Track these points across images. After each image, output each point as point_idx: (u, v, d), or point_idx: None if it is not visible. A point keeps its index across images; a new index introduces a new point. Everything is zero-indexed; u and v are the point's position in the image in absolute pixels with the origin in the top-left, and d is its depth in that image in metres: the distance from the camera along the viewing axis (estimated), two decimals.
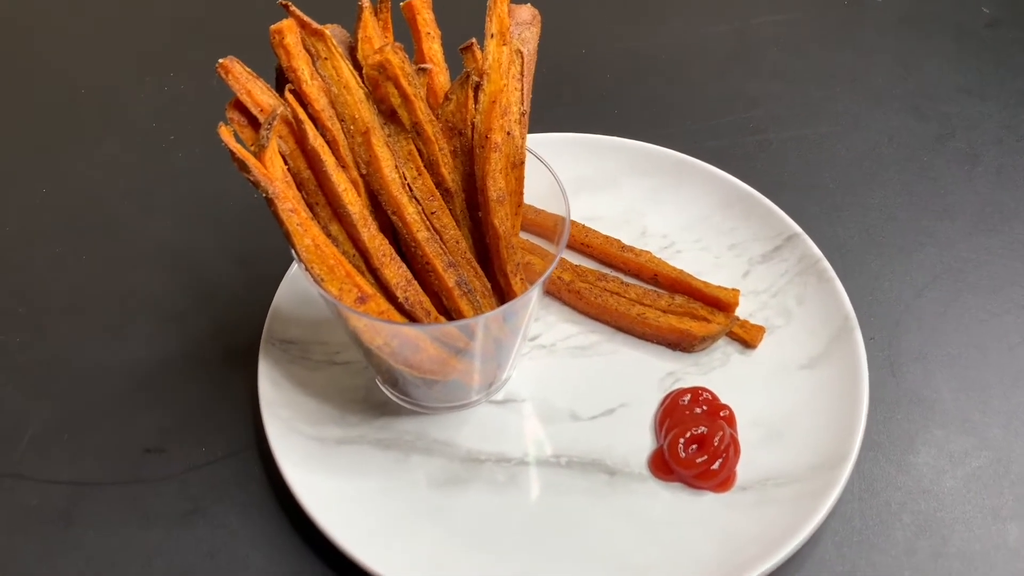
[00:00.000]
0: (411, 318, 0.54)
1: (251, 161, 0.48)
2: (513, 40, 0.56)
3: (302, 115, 0.51)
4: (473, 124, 0.55)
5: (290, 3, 0.52)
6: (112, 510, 0.57)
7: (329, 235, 0.53)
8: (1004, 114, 0.84)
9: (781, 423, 0.60)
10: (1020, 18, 0.94)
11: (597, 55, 0.91)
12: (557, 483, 0.57)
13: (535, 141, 0.74)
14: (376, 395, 0.62)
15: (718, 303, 0.65)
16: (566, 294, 0.66)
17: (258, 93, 0.51)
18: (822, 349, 0.62)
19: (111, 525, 0.57)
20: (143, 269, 0.72)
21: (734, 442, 0.58)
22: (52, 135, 0.84)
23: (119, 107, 0.86)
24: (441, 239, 0.56)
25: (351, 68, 0.53)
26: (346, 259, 0.52)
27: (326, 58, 0.53)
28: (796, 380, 0.62)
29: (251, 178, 0.48)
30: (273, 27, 0.51)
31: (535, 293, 0.54)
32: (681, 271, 0.67)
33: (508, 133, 0.55)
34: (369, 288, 0.52)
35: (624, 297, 0.66)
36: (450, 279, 0.55)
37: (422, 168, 0.55)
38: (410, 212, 0.54)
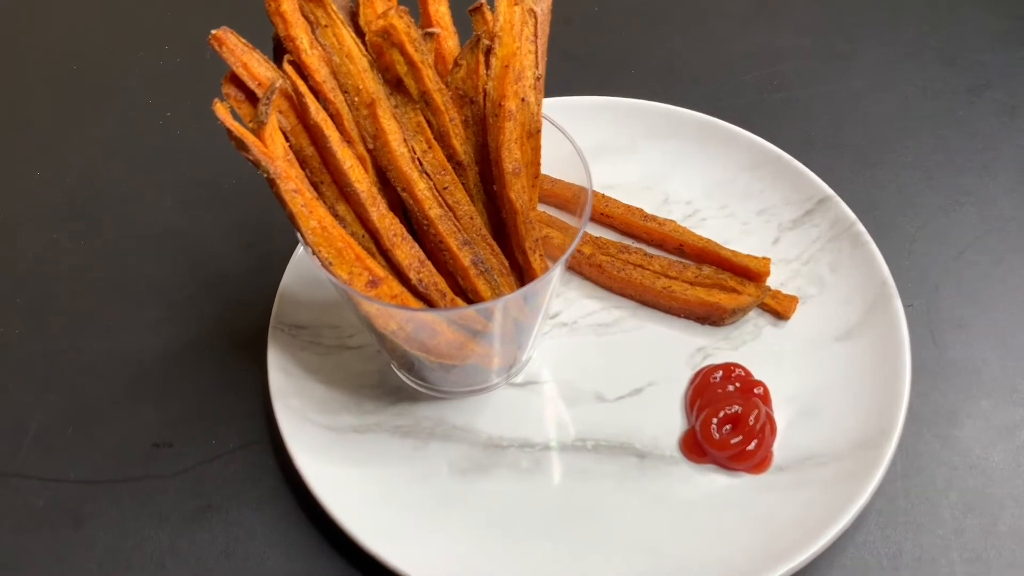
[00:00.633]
0: (426, 300, 0.51)
1: (250, 139, 0.45)
2: None
3: (303, 87, 0.47)
4: (485, 91, 0.51)
5: None
6: (122, 509, 0.55)
7: (336, 215, 0.50)
8: None
9: (818, 399, 0.56)
10: None
11: (611, 10, 0.87)
12: (584, 468, 0.55)
13: (550, 106, 0.71)
14: (391, 380, 0.59)
15: (748, 273, 0.62)
16: (587, 268, 0.63)
17: (255, 66, 0.48)
18: (859, 318, 0.59)
19: (122, 524, 0.55)
20: (145, 253, 0.69)
21: (770, 421, 0.55)
22: (44, 115, 0.80)
23: (113, 83, 0.83)
24: (455, 216, 0.52)
25: (353, 35, 0.49)
26: (355, 241, 0.49)
27: (326, 25, 0.49)
28: (832, 352, 0.58)
29: (250, 157, 0.45)
30: None
31: (556, 272, 0.50)
32: (708, 240, 0.63)
33: (523, 100, 0.51)
34: (380, 271, 0.49)
35: (648, 270, 0.62)
36: (465, 258, 0.52)
37: (432, 140, 0.52)
38: (421, 188, 0.51)
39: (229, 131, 0.44)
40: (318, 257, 0.48)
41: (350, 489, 0.53)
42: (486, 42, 0.51)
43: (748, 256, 0.62)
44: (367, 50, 0.50)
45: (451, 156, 0.53)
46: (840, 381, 0.57)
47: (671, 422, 0.56)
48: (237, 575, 0.52)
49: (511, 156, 0.51)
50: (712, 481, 0.54)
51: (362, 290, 0.48)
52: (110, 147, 0.77)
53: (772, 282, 0.62)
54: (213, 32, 0.47)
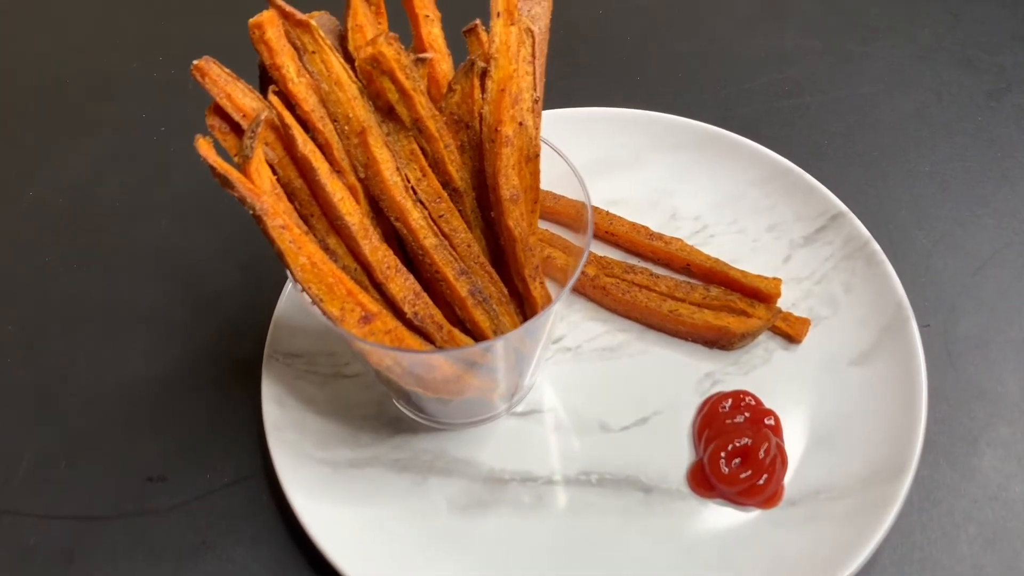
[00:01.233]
0: (422, 334, 0.50)
1: (234, 176, 0.43)
2: (522, 18, 0.50)
3: (289, 119, 0.45)
4: (481, 115, 0.49)
5: None
6: (116, 546, 0.54)
7: (327, 249, 0.48)
8: None
9: (831, 428, 0.54)
10: None
11: (616, 15, 0.84)
12: (588, 503, 0.53)
13: (549, 118, 0.69)
14: (389, 410, 0.57)
15: (758, 294, 0.59)
16: (591, 290, 0.61)
17: (239, 96, 0.46)
18: (873, 342, 0.57)
19: (116, 562, 0.53)
20: (138, 276, 0.67)
21: (781, 453, 0.53)
22: (35, 131, 0.79)
23: (106, 97, 0.81)
24: (451, 244, 0.51)
25: (342, 61, 0.47)
26: (347, 275, 0.47)
27: (314, 52, 0.47)
28: (846, 378, 0.56)
29: (235, 194, 0.43)
30: (252, 21, 0.45)
31: (557, 306, 0.48)
32: (716, 260, 0.61)
33: (520, 123, 0.49)
34: (373, 306, 0.47)
35: (654, 291, 0.60)
36: (463, 288, 0.50)
37: (426, 168, 0.50)
38: (415, 218, 0.49)
39: (212, 168, 0.43)
40: (308, 294, 0.46)
41: (346, 528, 0.51)
42: (481, 65, 0.49)
43: (758, 277, 0.60)
44: (357, 76, 0.47)
45: (447, 183, 0.51)
46: (855, 408, 0.55)
47: (678, 454, 0.54)
48: None
49: (508, 183, 0.49)
50: (721, 516, 0.52)
51: (355, 325, 0.47)
52: (103, 165, 0.75)
53: (783, 303, 0.60)
54: (195, 63, 0.45)
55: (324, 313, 0.46)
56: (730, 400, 0.55)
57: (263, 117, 0.44)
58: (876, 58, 0.78)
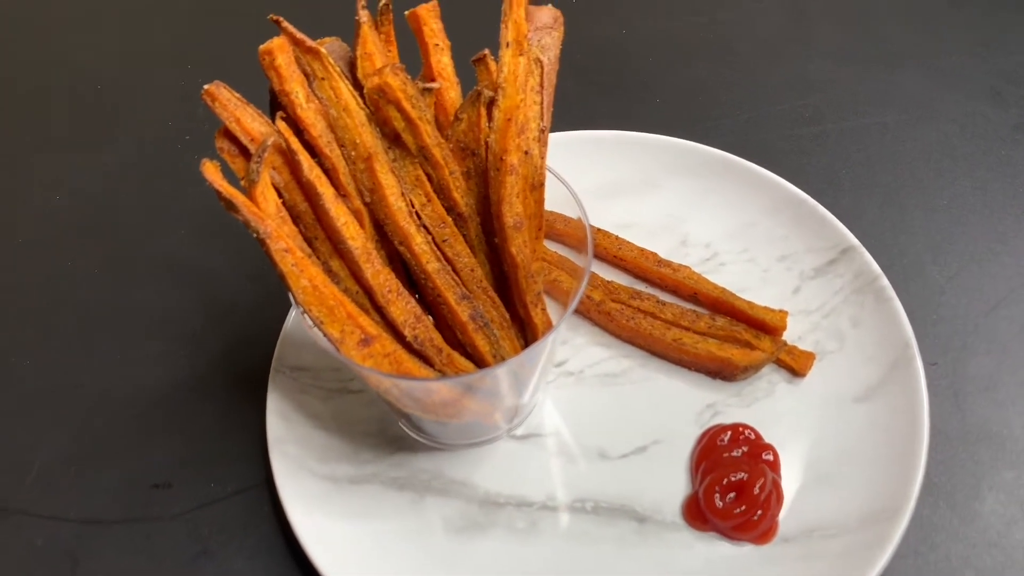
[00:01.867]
0: (421, 357, 0.50)
1: (239, 200, 0.44)
2: (532, 48, 0.50)
3: (295, 145, 0.46)
4: (487, 144, 0.50)
5: (282, 19, 0.47)
6: (119, 551, 0.55)
7: (330, 271, 0.49)
8: None
9: (831, 465, 0.54)
10: None
11: (639, 35, 0.84)
12: (582, 531, 0.53)
13: (564, 139, 0.69)
14: (391, 428, 0.58)
15: (764, 326, 0.59)
16: (596, 315, 0.61)
17: (248, 121, 0.47)
18: (879, 379, 0.56)
19: (118, 568, 0.55)
20: (155, 283, 0.69)
21: (776, 489, 0.53)
22: (65, 136, 0.81)
23: (135, 103, 0.83)
24: (454, 268, 0.51)
25: (351, 88, 0.48)
26: (349, 297, 0.48)
27: (323, 78, 0.48)
28: (849, 415, 0.56)
29: (240, 218, 0.44)
30: (262, 48, 0.46)
31: (551, 338, 0.49)
32: (723, 290, 0.61)
33: (526, 152, 0.50)
34: (373, 328, 0.48)
35: (659, 319, 0.60)
36: (464, 312, 0.51)
37: (431, 194, 0.50)
38: (418, 242, 0.50)
39: (218, 192, 0.44)
40: (309, 316, 0.47)
41: (343, 544, 0.52)
42: (489, 94, 0.49)
43: (764, 308, 0.60)
44: (365, 103, 0.48)
45: (452, 208, 0.51)
46: (855, 446, 0.54)
47: (674, 485, 0.54)
48: None
49: (512, 210, 0.50)
50: (714, 550, 0.52)
51: (354, 348, 0.47)
52: (127, 172, 0.77)
53: (790, 334, 0.60)
54: (205, 87, 0.46)
55: (324, 335, 0.47)
56: (729, 433, 0.55)
57: (270, 142, 0.45)
58: (901, 86, 0.77)
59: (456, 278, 0.51)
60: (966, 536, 0.53)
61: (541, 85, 0.51)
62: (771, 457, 0.54)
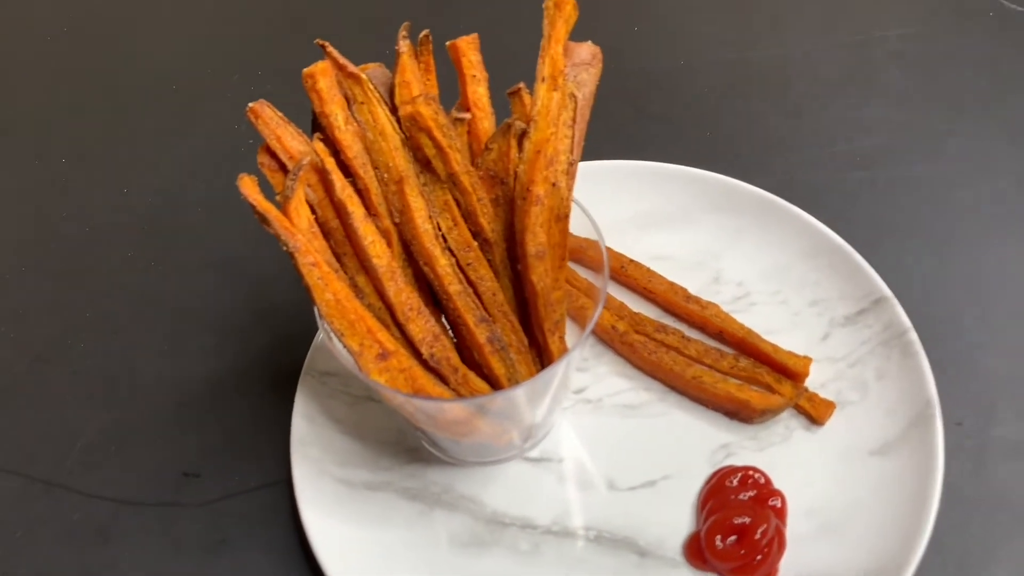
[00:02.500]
0: (438, 375, 0.52)
1: (272, 214, 0.47)
2: (568, 83, 0.52)
3: (330, 165, 0.49)
4: (516, 173, 0.51)
5: (327, 44, 0.49)
6: (147, 532, 0.59)
7: (355, 286, 0.51)
8: None
9: (840, 516, 0.54)
10: None
11: (697, 66, 0.85)
12: (583, 559, 0.54)
13: (610, 167, 0.70)
14: (409, 439, 0.60)
15: (786, 371, 0.59)
16: (619, 346, 0.62)
17: (288, 139, 0.49)
18: (898, 434, 0.56)
19: (144, 548, 0.58)
20: (208, 279, 0.72)
21: (779, 536, 0.53)
22: (140, 131, 0.86)
23: (207, 106, 0.87)
24: (477, 291, 0.53)
25: (388, 113, 0.50)
26: (371, 312, 0.50)
27: (362, 103, 0.50)
28: (864, 467, 0.55)
29: (272, 231, 0.47)
30: (305, 71, 0.49)
31: (565, 362, 0.50)
32: (749, 331, 0.61)
33: (553, 184, 0.51)
34: (391, 344, 0.50)
35: (682, 354, 0.61)
36: (482, 335, 0.52)
37: (458, 218, 0.52)
38: (442, 264, 0.51)
39: (253, 206, 0.46)
40: (331, 328, 0.49)
41: (350, 547, 0.54)
42: (521, 125, 0.51)
43: (788, 353, 0.60)
44: (401, 128, 0.50)
45: (477, 233, 0.53)
46: (866, 500, 0.54)
47: (679, 521, 0.55)
48: None
49: (535, 240, 0.51)
50: None
51: (372, 361, 0.49)
52: (194, 169, 0.81)
53: (813, 381, 0.60)
54: (250, 105, 0.49)
55: (344, 347, 0.49)
56: (739, 475, 0.55)
57: (306, 162, 0.48)
58: (960, 137, 0.76)
59: (477, 301, 0.53)
60: None
61: (573, 120, 0.52)
62: (779, 503, 0.54)
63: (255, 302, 0.70)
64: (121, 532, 0.59)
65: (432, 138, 0.49)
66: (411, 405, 0.52)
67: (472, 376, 0.53)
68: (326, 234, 0.51)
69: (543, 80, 0.51)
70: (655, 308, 0.65)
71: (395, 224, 0.52)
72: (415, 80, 0.51)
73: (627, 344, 0.62)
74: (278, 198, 0.48)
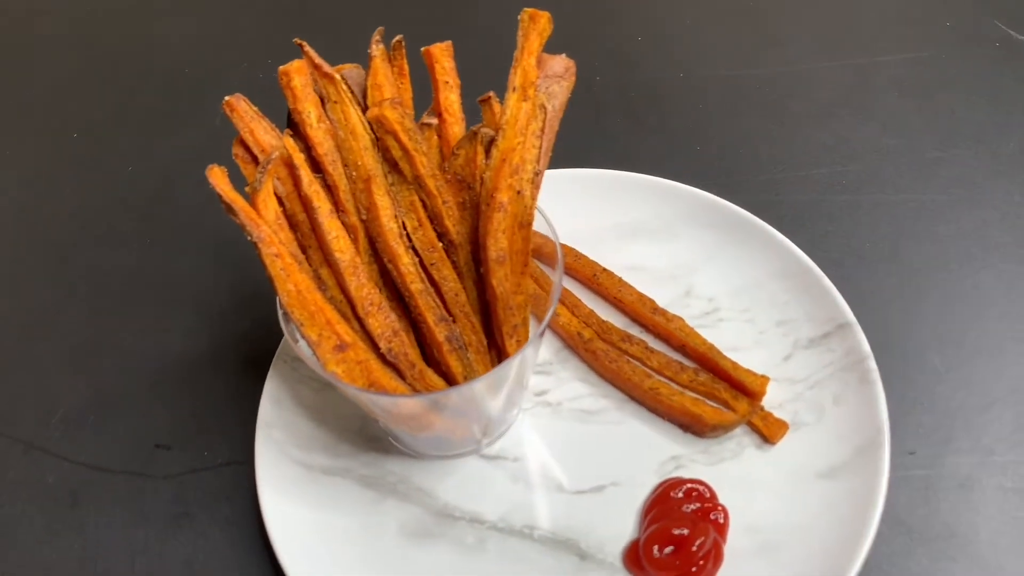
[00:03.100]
0: (395, 369, 0.54)
1: (238, 204, 0.49)
2: (539, 94, 0.53)
3: (298, 160, 0.50)
4: (482, 179, 0.53)
5: (304, 44, 0.51)
6: (114, 499, 0.61)
7: (319, 279, 0.53)
8: None
9: (780, 535, 0.55)
10: None
11: (694, 81, 0.85)
12: (524, 557, 0.55)
13: (595, 176, 0.72)
14: (371, 428, 0.62)
15: (743, 388, 0.60)
16: (583, 352, 0.63)
17: (260, 133, 0.51)
18: (846, 459, 0.56)
19: (110, 515, 0.60)
20: (198, 260, 0.75)
21: (717, 549, 0.54)
22: (149, 112, 0.88)
23: (215, 90, 0.88)
24: (439, 291, 0.54)
25: (359, 114, 0.52)
26: (333, 305, 0.52)
27: (336, 102, 0.52)
28: (809, 489, 0.56)
29: (238, 221, 0.49)
30: (281, 68, 0.51)
31: (518, 360, 0.51)
32: (711, 346, 0.62)
33: (518, 192, 0.52)
34: (349, 336, 0.52)
35: (645, 365, 0.62)
36: (440, 333, 0.54)
37: (424, 219, 0.54)
38: (405, 263, 0.53)
39: (220, 195, 0.48)
40: (292, 317, 0.51)
41: (303, 529, 0.56)
42: (489, 133, 0.52)
43: (747, 371, 0.60)
44: (372, 129, 0.52)
45: (443, 235, 0.54)
46: (807, 521, 0.55)
47: (622, 528, 0.56)
48: None
49: (496, 245, 0.52)
50: None
51: (329, 352, 0.51)
52: (197, 152, 0.83)
53: (771, 400, 0.60)
54: (226, 98, 0.51)
55: (303, 336, 0.51)
56: (684, 487, 0.56)
57: (275, 156, 0.49)
58: (951, 165, 0.76)
59: (439, 300, 0.54)
60: None
61: (542, 130, 0.53)
62: (721, 519, 0.55)
63: (239, 287, 0.72)
64: (90, 497, 0.61)
65: (398, 140, 0.50)
66: (365, 396, 0.53)
67: (429, 372, 0.55)
68: (293, 227, 0.52)
69: (514, 90, 0.52)
70: (624, 318, 0.66)
71: (362, 221, 0.53)
72: (387, 83, 0.52)
73: (590, 351, 0.63)
74: (247, 189, 0.50)
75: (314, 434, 0.61)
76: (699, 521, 0.54)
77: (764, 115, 0.82)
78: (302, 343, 0.51)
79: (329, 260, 0.52)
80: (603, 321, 0.65)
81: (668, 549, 0.53)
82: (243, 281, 0.73)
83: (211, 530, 0.59)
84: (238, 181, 0.50)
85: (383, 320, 0.53)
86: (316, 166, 0.52)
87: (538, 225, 0.54)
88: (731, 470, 0.58)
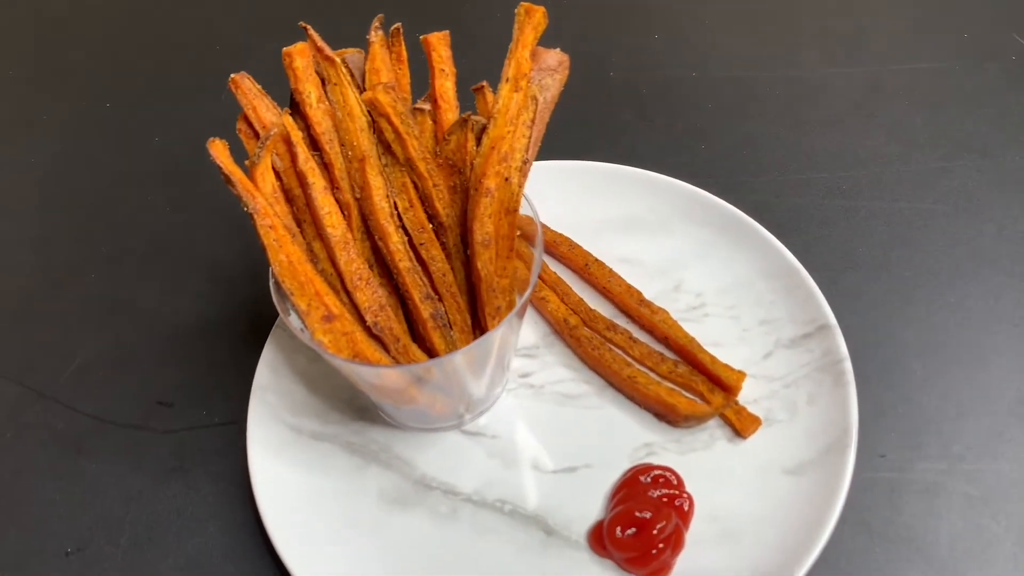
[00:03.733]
0: (380, 342, 0.56)
1: (236, 176, 0.51)
2: (532, 86, 0.55)
3: (296, 138, 0.53)
4: (472, 165, 0.55)
5: (309, 27, 0.54)
6: (115, 450, 0.65)
7: (311, 251, 0.55)
8: None
9: (742, 525, 0.56)
10: None
11: (706, 81, 0.86)
12: (494, 528, 0.58)
13: (597, 169, 0.74)
14: (361, 399, 0.64)
15: (720, 382, 0.62)
16: (568, 338, 0.66)
17: (263, 110, 0.54)
18: (813, 457, 0.58)
19: (110, 463, 0.64)
20: (213, 229, 0.78)
21: (678, 534, 0.55)
22: (179, 85, 0.92)
23: (243, 67, 0.92)
24: (427, 270, 0.57)
25: (357, 96, 0.54)
26: (323, 277, 0.55)
27: (335, 84, 0.54)
28: (775, 483, 0.58)
29: (235, 192, 0.52)
30: (284, 50, 0.53)
31: (498, 335, 0.54)
32: (691, 339, 0.64)
33: (506, 179, 0.55)
34: (336, 308, 0.54)
35: (626, 354, 0.64)
36: (426, 311, 0.56)
37: (415, 200, 0.56)
38: (395, 241, 0.56)
39: (220, 167, 0.51)
40: (283, 286, 0.54)
41: (287, 489, 0.59)
42: (479, 120, 0.54)
43: (725, 366, 0.62)
44: (368, 111, 0.54)
45: (433, 217, 0.57)
46: (769, 514, 0.56)
47: (590, 509, 0.58)
48: (179, 535, 0.60)
49: (482, 229, 0.55)
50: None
51: (317, 322, 0.54)
52: (224, 125, 0.86)
53: (747, 396, 0.62)
54: (232, 76, 0.54)
55: (293, 305, 0.54)
56: (653, 473, 0.58)
57: (274, 132, 0.52)
58: (952, 176, 0.76)
59: (426, 279, 0.57)
60: None
61: (532, 121, 0.55)
62: (685, 506, 0.57)
63: (252, 256, 0.76)
64: (93, 446, 0.65)
65: (391, 124, 0.53)
66: (349, 368, 0.56)
67: (413, 347, 0.57)
68: (289, 201, 0.55)
69: (507, 81, 0.54)
70: (612, 307, 0.68)
71: (356, 199, 0.56)
72: (384, 68, 0.55)
73: (575, 338, 0.65)
74: (247, 163, 0.53)
75: (306, 401, 0.64)
76: (663, 506, 0.56)
77: (772, 118, 0.82)
78: (293, 316, 0.54)
79: (321, 235, 0.55)
80: (591, 309, 0.67)
81: (630, 531, 0.55)
82: (250, 250, 0.76)
83: (202, 483, 0.62)
84: (244, 155, 0.53)
85: (370, 294, 0.56)
86: (315, 144, 0.55)
87: (523, 210, 0.57)
88: (701, 460, 0.60)
